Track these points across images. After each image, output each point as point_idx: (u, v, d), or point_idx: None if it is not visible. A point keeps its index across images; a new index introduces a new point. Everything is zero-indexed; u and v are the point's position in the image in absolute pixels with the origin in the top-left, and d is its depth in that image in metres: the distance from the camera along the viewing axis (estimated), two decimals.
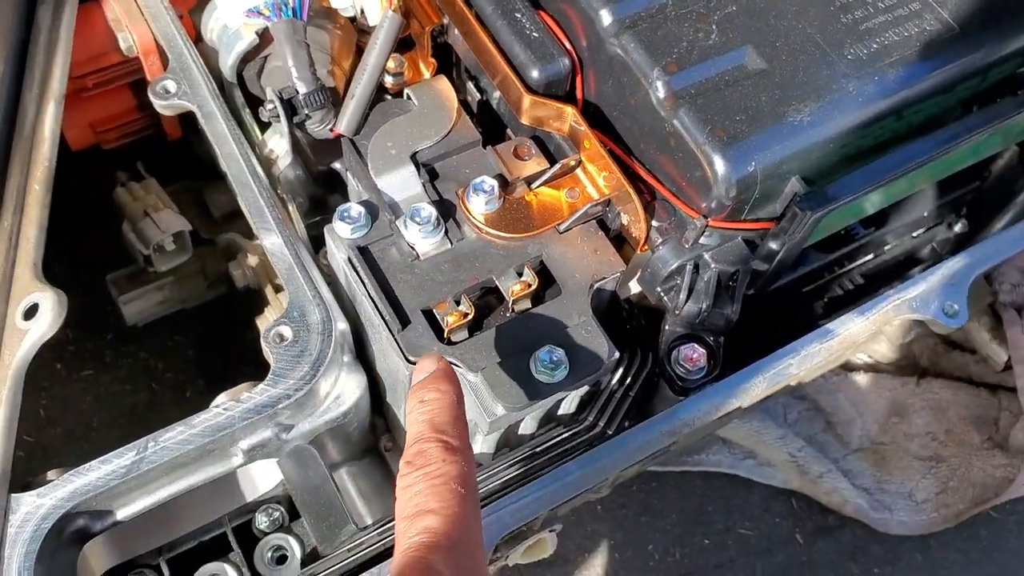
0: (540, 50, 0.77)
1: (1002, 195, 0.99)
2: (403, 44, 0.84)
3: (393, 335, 0.70)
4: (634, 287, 0.82)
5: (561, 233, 0.77)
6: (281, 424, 0.72)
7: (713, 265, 0.75)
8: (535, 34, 0.78)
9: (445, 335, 0.71)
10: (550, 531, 0.86)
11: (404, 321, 0.71)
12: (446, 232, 0.74)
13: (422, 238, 0.73)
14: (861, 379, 1.43)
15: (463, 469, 0.53)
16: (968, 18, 0.76)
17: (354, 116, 0.80)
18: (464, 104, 0.84)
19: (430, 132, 0.80)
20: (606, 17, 0.74)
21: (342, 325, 0.74)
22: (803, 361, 0.81)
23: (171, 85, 0.85)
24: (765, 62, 0.73)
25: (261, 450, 0.72)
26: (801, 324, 0.97)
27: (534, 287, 0.73)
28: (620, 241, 0.80)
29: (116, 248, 1.17)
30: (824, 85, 0.72)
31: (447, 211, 0.76)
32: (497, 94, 0.82)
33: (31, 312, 0.72)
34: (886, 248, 1.02)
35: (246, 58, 0.89)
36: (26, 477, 0.70)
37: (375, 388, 0.81)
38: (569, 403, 0.79)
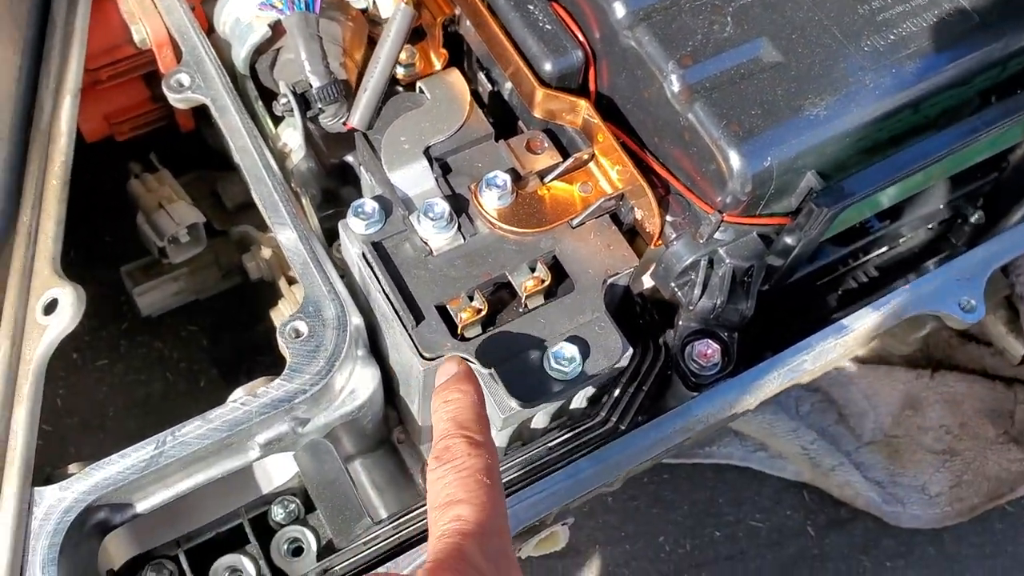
0: (553, 42, 0.77)
1: (1020, 186, 0.98)
2: (414, 35, 0.84)
3: (407, 331, 0.71)
4: (647, 282, 0.82)
5: (574, 228, 0.76)
6: (297, 418, 0.72)
7: (728, 260, 0.75)
8: (548, 26, 0.77)
9: (459, 331, 0.71)
10: (562, 524, 0.87)
11: (418, 317, 0.71)
12: (459, 227, 0.74)
13: (435, 233, 0.73)
14: (874, 371, 1.42)
15: (487, 462, 0.57)
16: (987, 7, 0.75)
17: (367, 110, 0.80)
18: (475, 95, 0.84)
19: (443, 126, 0.80)
20: (620, 9, 0.73)
21: (356, 320, 0.75)
22: (818, 357, 0.81)
23: (185, 79, 0.85)
24: (781, 54, 0.72)
25: (277, 444, 0.73)
26: (815, 318, 0.97)
27: (547, 282, 0.73)
28: (632, 235, 0.80)
29: (131, 239, 1.18)
30: (841, 78, 0.71)
31: (460, 206, 0.76)
32: (509, 85, 0.82)
33: (51, 307, 0.72)
34: (901, 240, 1.01)
35: (259, 51, 0.89)
36: (44, 467, 0.71)
37: (388, 381, 0.81)
38: (582, 398, 0.79)
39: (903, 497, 1.39)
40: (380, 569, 0.71)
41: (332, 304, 0.73)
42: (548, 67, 0.76)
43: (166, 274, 1.23)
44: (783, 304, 0.89)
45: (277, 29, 0.87)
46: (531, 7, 0.78)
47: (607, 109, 0.78)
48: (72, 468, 0.68)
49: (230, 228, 1.19)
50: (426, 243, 0.74)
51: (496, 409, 0.70)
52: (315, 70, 0.80)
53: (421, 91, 0.82)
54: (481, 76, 0.86)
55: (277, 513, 0.79)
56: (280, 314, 1.05)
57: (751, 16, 0.74)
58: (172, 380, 1.40)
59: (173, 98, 0.85)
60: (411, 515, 0.73)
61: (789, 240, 0.76)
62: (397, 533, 0.72)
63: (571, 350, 0.70)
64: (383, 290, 0.72)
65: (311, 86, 0.80)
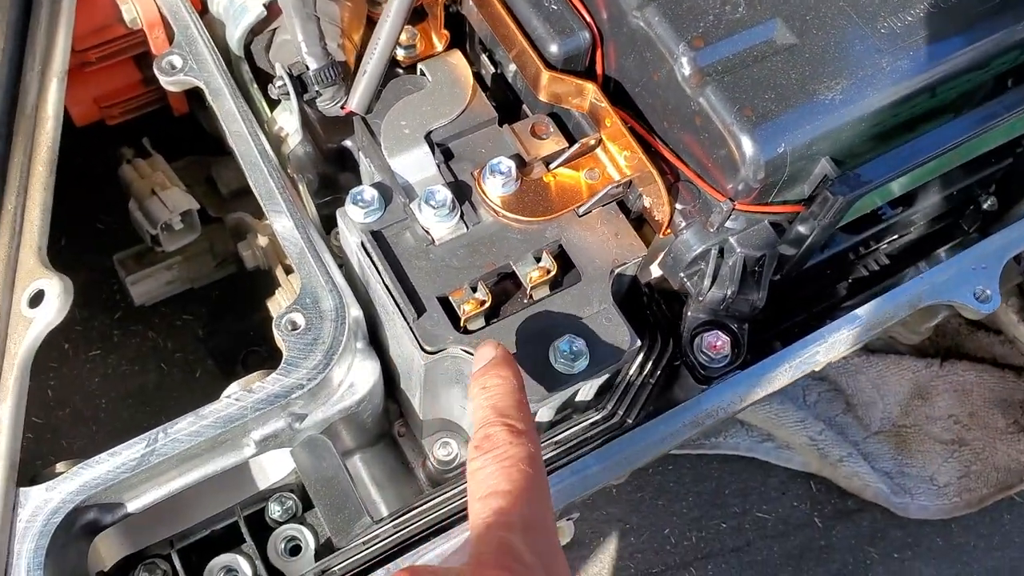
0: (559, 23, 0.75)
1: None
2: (415, 15, 0.82)
3: (408, 324, 0.69)
4: (655, 271, 0.80)
5: (580, 216, 0.75)
6: (294, 414, 0.70)
7: (739, 250, 0.73)
8: (554, 6, 0.75)
9: (461, 323, 0.69)
10: (568, 519, 0.85)
11: (419, 309, 0.69)
12: (462, 216, 0.73)
13: (437, 222, 0.71)
14: (883, 360, 1.40)
15: (530, 450, 0.56)
16: None
17: (366, 93, 0.78)
18: (478, 77, 0.82)
19: (445, 110, 0.78)
20: None
21: (355, 312, 0.73)
22: (830, 349, 0.79)
23: (177, 60, 0.83)
24: (795, 36, 0.70)
25: (274, 440, 0.71)
26: (825, 306, 0.95)
27: (553, 273, 0.71)
28: (640, 223, 0.78)
29: (124, 226, 1.16)
30: (856, 61, 0.69)
31: (462, 193, 0.74)
32: (513, 68, 0.80)
33: (36, 299, 0.70)
34: (912, 228, 0.99)
35: (254, 31, 0.87)
36: (34, 460, 0.69)
37: (388, 373, 0.80)
38: (588, 391, 0.77)
39: (911, 488, 1.38)
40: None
41: (330, 295, 0.71)
42: (554, 49, 0.74)
43: (160, 262, 1.22)
44: (791, 292, 0.88)
45: (273, 9, 0.85)
46: None
47: (615, 93, 0.76)
48: (60, 467, 0.66)
49: (225, 215, 1.17)
50: (427, 232, 0.72)
51: None
52: (311, 51, 0.78)
53: (422, 73, 0.80)
54: (484, 58, 0.84)
55: (274, 510, 0.77)
56: (277, 304, 1.04)
57: None
58: (167, 371, 1.38)
59: (165, 81, 0.83)
60: (412, 513, 0.72)
61: (802, 229, 0.74)
62: (398, 532, 0.71)
63: (578, 343, 0.68)
64: (383, 281, 0.70)
65: (308, 68, 0.79)
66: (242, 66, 0.89)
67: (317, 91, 0.79)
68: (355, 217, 0.72)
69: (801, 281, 0.90)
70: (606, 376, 0.74)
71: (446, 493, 0.73)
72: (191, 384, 1.37)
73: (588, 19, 0.75)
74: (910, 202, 0.94)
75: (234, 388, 0.73)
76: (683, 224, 0.74)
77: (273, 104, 0.88)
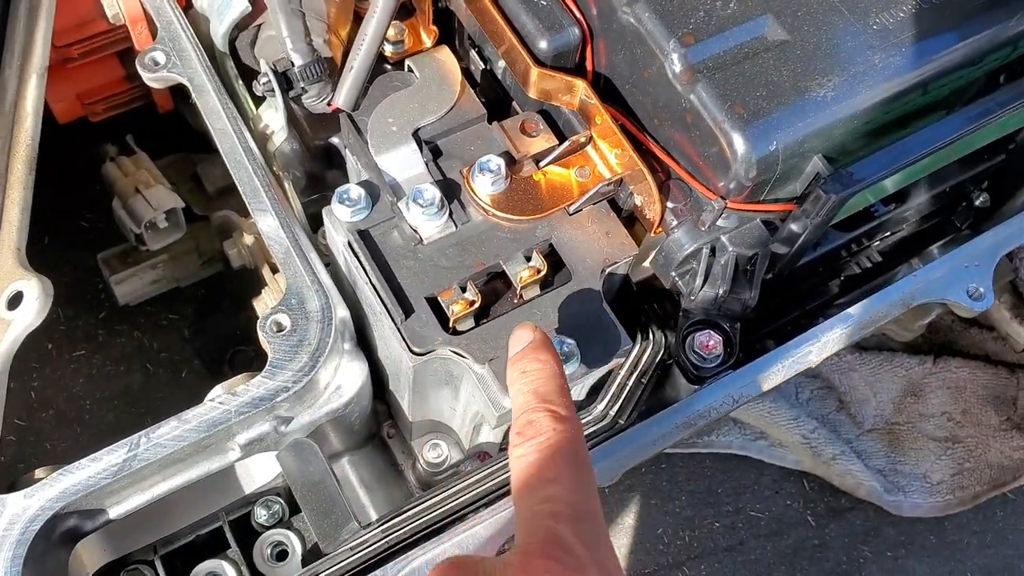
0: (548, 19, 0.74)
1: None
2: (402, 10, 0.81)
3: (396, 325, 0.68)
4: (646, 270, 0.79)
5: (571, 214, 0.74)
6: (280, 417, 0.69)
7: (731, 248, 0.72)
8: (543, 2, 0.75)
9: (450, 324, 0.68)
10: None
11: (407, 310, 0.68)
12: (450, 214, 0.72)
13: (425, 221, 0.71)
14: (876, 358, 1.40)
15: (574, 437, 0.54)
16: None
17: (353, 89, 0.77)
18: (467, 74, 0.81)
19: (433, 107, 0.77)
20: None
21: (342, 312, 0.72)
22: (823, 348, 0.79)
23: (160, 56, 0.81)
24: (786, 33, 0.69)
25: (259, 444, 0.70)
26: (818, 304, 0.95)
27: (543, 272, 0.71)
28: (631, 222, 0.77)
29: (108, 224, 1.14)
30: (848, 57, 0.69)
31: (451, 192, 0.73)
32: (502, 64, 0.79)
33: (15, 301, 0.69)
34: (905, 225, 0.99)
35: (239, 27, 0.86)
36: (17, 463, 0.68)
37: (377, 374, 0.79)
38: (580, 391, 0.77)
39: (904, 485, 1.37)
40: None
41: (316, 296, 0.70)
42: (543, 45, 0.73)
43: (144, 261, 1.20)
44: (784, 291, 0.87)
45: (258, 4, 0.84)
46: None
47: (605, 90, 0.75)
48: (39, 473, 0.65)
49: (211, 213, 1.16)
50: (415, 231, 0.71)
51: (490, 407, 0.67)
52: (297, 47, 0.77)
53: (410, 70, 0.80)
54: (473, 54, 0.83)
55: (260, 515, 0.77)
56: (263, 304, 1.02)
57: None
58: (152, 371, 1.37)
59: (148, 77, 0.82)
60: (400, 517, 0.71)
61: (794, 227, 0.74)
62: (386, 537, 0.70)
63: (568, 344, 0.68)
64: (370, 281, 0.70)
65: (293, 64, 0.78)
66: (227, 62, 0.88)
67: (303, 87, 0.78)
68: (342, 216, 0.71)
69: (793, 279, 0.89)
70: (597, 377, 0.73)
71: (436, 496, 0.72)
72: (177, 385, 1.35)
73: (578, 15, 0.74)
74: (903, 199, 0.94)
75: (218, 391, 0.72)
76: (674, 223, 0.73)
77: (258, 101, 0.87)
